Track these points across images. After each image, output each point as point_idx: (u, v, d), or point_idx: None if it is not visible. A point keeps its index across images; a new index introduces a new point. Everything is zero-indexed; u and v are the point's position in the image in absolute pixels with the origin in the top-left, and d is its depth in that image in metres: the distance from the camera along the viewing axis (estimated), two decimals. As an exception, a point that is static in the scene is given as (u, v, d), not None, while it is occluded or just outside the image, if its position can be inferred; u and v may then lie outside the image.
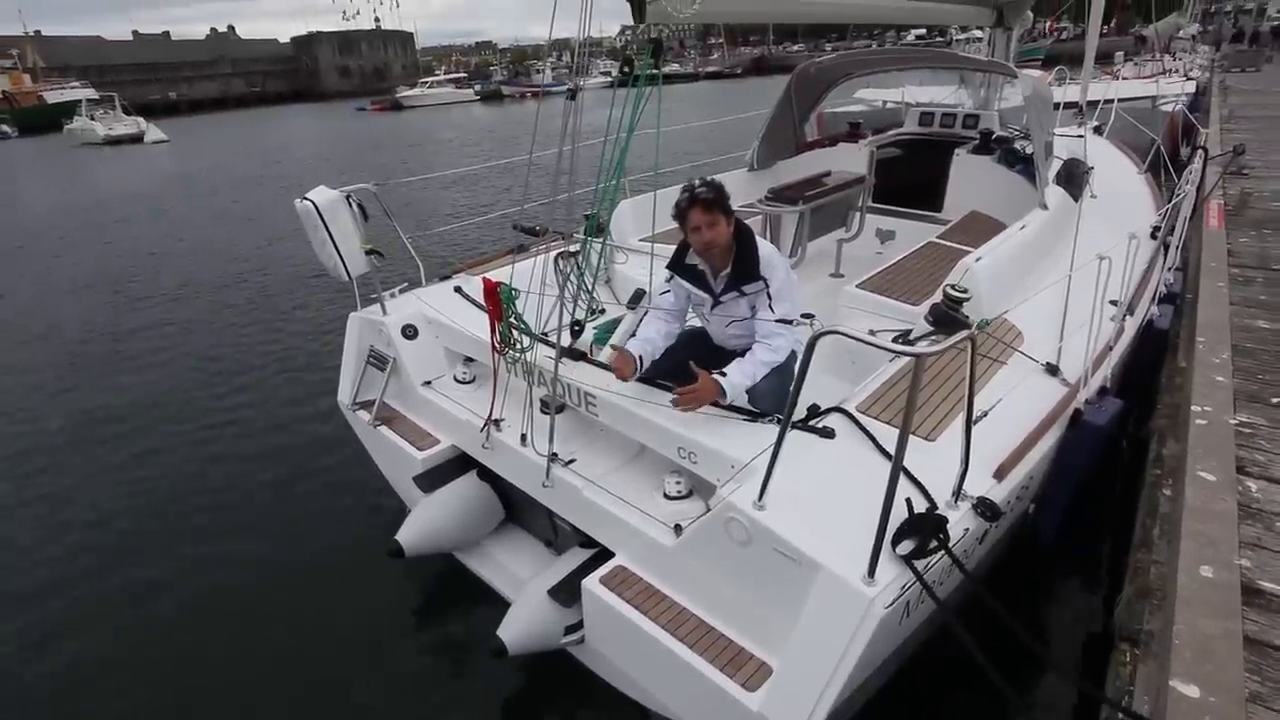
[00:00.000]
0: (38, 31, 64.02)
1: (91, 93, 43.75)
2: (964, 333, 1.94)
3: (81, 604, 3.95)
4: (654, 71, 2.47)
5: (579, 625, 2.83)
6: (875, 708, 2.47)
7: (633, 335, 3.00)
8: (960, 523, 2.18)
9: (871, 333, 2.07)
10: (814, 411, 2.62)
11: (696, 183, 2.68)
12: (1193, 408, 3.10)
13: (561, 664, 3.07)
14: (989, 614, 1.97)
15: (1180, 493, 2.63)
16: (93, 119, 37.98)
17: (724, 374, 2.56)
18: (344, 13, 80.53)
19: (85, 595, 4.02)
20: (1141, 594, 2.50)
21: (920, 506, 2.12)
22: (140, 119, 38.54)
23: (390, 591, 3.83)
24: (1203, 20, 30.68)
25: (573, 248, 3.85)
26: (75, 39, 67.97)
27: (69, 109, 40.98)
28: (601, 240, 3.48)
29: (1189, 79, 15.19)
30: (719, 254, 2.73)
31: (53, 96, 47.99)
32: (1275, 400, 3.23)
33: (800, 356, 1.99)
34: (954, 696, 2.84)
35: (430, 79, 59.93)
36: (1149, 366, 4.06)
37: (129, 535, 4.53)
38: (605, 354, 3.25)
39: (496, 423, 3.24)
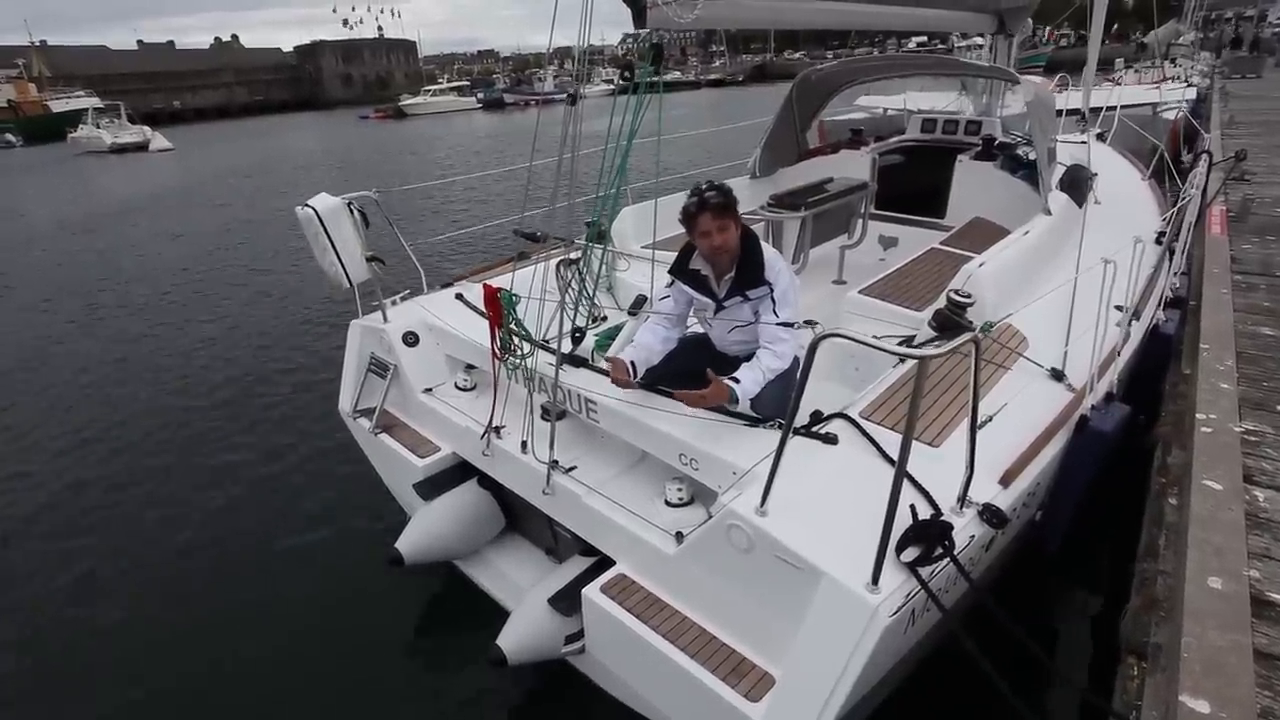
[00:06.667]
0: (43, 41, 64.75)
1: (97, 101, 44.08)
2: (967, 335, 1.90)
3: (79, 612, 3.93)
4: (655, 79, 2.45)
5: (579, 634, 2.81)
6: (880, 718, 2.43)
7: (630, 343, 2.98)
8: (965, 529, 2.15)
9: (875, 338, 2.05)
10: (817, 417, 2.59)
11: (705, 186, 2.64)
12: (1197, 415, 3.06)
13: (562, 674, 3.05)
14: (994, 623, 1.95)
15: (1186, 502, 2.59)
16: (99, 127, 38.24)
17: (737, 380, 2.53)
18: (346, 21, 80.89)
19: (84, 602, 4.00)
20: (1148, 605, 2.46)
21: (925, 513, 2.09)
22: (145, 128, 38.85)
23: (389, 600, 3.81)
24: (1203, 27, 30.72)
25: (574, 254, 3.84)
26: (80, 48, 68.51)
27: (74, 118, 41.21)
28: (603, 247, 3.47)
29: (1190, 85, 15.21)
30: (725, 259, 2.70)
31: (58, 105, 48.35)
32: (1282, 407, 3.20)
33: (802, 360, 1.97)
34: (960, 707, 2.80)
35: (433, 87, 60.08)
36: (1155, 372, 4.02)
37: (124, 543, 4.52)
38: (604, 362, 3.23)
39: (497, 430, 3.22)
